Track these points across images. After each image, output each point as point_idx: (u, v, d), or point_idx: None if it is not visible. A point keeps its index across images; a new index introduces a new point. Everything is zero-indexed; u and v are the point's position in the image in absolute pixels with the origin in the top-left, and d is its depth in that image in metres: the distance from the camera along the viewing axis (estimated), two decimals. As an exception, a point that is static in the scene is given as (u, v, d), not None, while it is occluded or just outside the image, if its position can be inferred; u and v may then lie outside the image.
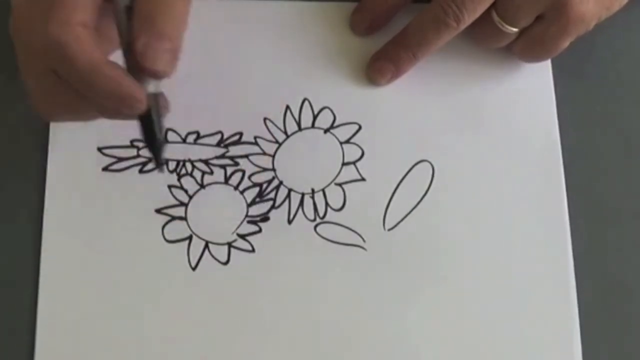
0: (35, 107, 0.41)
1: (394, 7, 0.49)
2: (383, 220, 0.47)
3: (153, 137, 0.40)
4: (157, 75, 0.38)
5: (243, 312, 0.45)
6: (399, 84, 0.49)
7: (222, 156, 0.48)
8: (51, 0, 0.37)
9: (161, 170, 0.42)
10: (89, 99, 0.39)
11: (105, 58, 0.38)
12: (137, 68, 0.38)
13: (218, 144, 0.48)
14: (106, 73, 0.37)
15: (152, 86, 0.39)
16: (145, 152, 0.47)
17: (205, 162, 0.48)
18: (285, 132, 0.48)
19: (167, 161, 0.43)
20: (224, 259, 0.46)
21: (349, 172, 0.48)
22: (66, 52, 0.37)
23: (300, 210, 0.47)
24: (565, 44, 0.46)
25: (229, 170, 0.48)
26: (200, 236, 0.46)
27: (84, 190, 0.47)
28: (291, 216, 0.47)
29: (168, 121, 0.48)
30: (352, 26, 0.50)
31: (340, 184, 0.48)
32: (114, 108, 0.38)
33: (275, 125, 0.48)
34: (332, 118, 0.49)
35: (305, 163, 0.48)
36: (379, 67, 0.48)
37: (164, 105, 0.41)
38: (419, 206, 0.47)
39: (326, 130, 0.49)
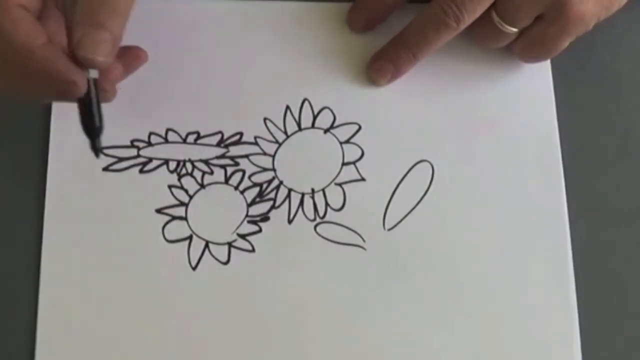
0: None
1: (391, 4, 0.49)
2: (383, 220, 0.47)
3: (91, 122, 0.41)
4: (94, 65, 0.39)
5: (243, 311, 0.45)
6: (399, 84, 0.49)
7: (223, 156, 0.48)
8: None
9: (97, 156, 0.42)
10: (30, 80, 0.40)
11: (44, 41, 0.39)
12: (77, 58, 0.39)
13: (218, 144, 0.48)
14: (43, 55, 0.38)
15: (92, 72, 0.40)
16: (146, 152, 0.47)
17: (206, 162, 0.48)
18: (286, 132, 0.48)
19: (103, 148, 0.42)
20: (224, 259, 0.46)
21: (349, 172, 0.48)
22: (4, 35, 0.38)
23: (300, 210, 0.47)
24: (565, 44, 0.47)
25: (229, 170, 0.48)
26: (201, 236, 0.47)
27: (84, 190, 0.47)
28: (291, 216, 0.47)
29: (169, 121, 0.48)
30: (349, 23, 0.50)
31: (340, 184, 0.48)
32: (52, 90, 0.40)
33: (276, 126, 0.49)
34: (332, 118, 0.49)
35: (305, 163, 0.48)
36: (378, 67, 0.49)
37: (107, 90, 0.42)
38: (418, 206, 0.47)
39: (326, 131, 0.49)
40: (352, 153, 0.48)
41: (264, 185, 0.48)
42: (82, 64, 0.39)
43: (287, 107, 0.49)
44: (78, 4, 0.39)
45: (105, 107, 0.48)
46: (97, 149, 0.41)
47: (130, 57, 0.46)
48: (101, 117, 0.41)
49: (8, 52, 0.39)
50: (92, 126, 0.41)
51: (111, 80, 0.43)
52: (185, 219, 0.47)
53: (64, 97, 0.40)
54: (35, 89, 0.41)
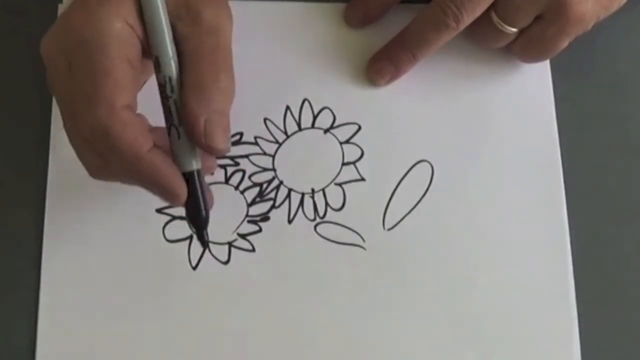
0: (81, 161, 0.41)
1: (388, 0, 0.49)
2: (383, 220, 0.47)
3: (197, 214, 0.40)
4: (218, 152, 0.39)
5: (243, 311, 0.45)
6: (399, 85, 0.49)
7: (223, 156, 0.47)
8: (93, 75, 0.37)
9: (205, 247, 0.43)
10: (131, 181, 0.39)
11: (150, 146, 0.38)
12: (200, 147, 0.38)
13: (218, 144, 0.48)
14: (150, 162, 0.38)
15: (194, 163, 0.39)
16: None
17: (206, 162, 0.48)
18: (286, 132, 0.48)
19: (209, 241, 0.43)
20: (225, 259, 0.46)
21: (349, 172, 0.48)
22: (111, 139, 0.37)
23: (300, 210, 0.47)
24: (564, 44, 0.47)
25: (230, 170, 0.48)
26: (201, 236, 0.47)
27: (85, 190, 0.47)
28: (291, 216, 0.47)
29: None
30: (346, 19, 0.50)
31: (340, 184, 0.48)
32: (152, 191, 0.39)
33: (276, 126, 0.49)
34: (332, 118, 0.49)
35: (305, 163, 0.48)
36: (378, 68, 0.49)
37: (210, 166, 0.42)
38: (418, 206, 0.47)
39: (326, 131, 0.49)
40: (352, 153, 0.48)
41: (264, 185, 0.48)
42: (186, 152, 0.39)
43: (287, 107, 0.49)
44: (188, 93, 0.38)
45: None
46: (204, 241, 0.41)
47: None
48: (206, 206, 0.40)
49: (113, 153, 0.37)
50: (198, 218, 0.40)
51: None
52: (185, 218, 0.46)
53: (162, 198, 0.40)
54: (131, 185, 0.40)
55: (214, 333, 0.45)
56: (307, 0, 0.50)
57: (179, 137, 0.39)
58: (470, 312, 0.46)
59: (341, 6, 0.50)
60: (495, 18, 0.46)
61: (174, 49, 0.39)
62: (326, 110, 0.49)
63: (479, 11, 0.45)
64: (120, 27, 0.37)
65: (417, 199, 0.48)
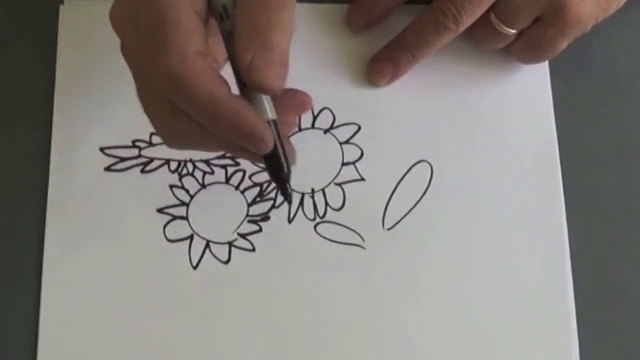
0: (157, 133, 0.39)
1: (390, 3, 0.49)
2: (382, 220, 0.47)
3: (279, 169, 0.38)
4: (267, 90, 0.36)
5: (244, 310, 0.46)
6: (398, 85, 0.49)
7: (223, 156, 0.48)
8: (163, 26, 0.34)
9: (289, 202, 0.41)
10: (210, 133, 0.36)
11: (227, 90, 0.35)
12: (247, 84, 0.35)
13: (219, 144, 0.48)
14: (230, 108, 0.35)
15: (269, 111, 0.37)
16: (148, 152, 0.48)
17: (207, 162, 0.48)
18: (286, 133, 0.49)
19: (292, 194, 0.40)
20: (225, 258, 0.46)
21: (349, 172, 0.48)
22: (186, 86, 0.34)
23: (300, 210, 0.47)
24: (563, 45, 0.47)
25: (230, 170, 0.48)
26: (201, 235, 0.47)
27: (86, 190, 0.47)
28: (291, 216, 0.47)
29: None
30: (348, 23, 0.50)
31: (339, 184, 0.48)
32: (237, 145, 0.36)
33: (276, 126, 0.49)
34: (331, 118, 0.49)
35: (305, 163, 0.47)
36: (378, 69, 0.49)
37: (292, 122, 0.39)
38: (417, 206, 0.48)
39: (326, 131, 0.49)
40: (351, 153, 0.48)
41: (264, 185, 0.48)
42: (254, 99, 0.36)
43: (288, 108, 0.49)
44: (239, 25, 0.35)
45: (107, 108, 0.48)
46: (288, 195, 0.39)
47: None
48: (287, 159, 0.37)
49: (190, 103, 0.35)
50: (280, 172, 0.38)
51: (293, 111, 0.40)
52: (186, 218, 0.47)
53: (243, 153, 0.37)
54: (211, 142, 0.37)
55: (215, 332, 0.45)
56: (307, 1, 0.50)
57: (244, 85, 0.36)
58: (468, 311, 0.46)
59: (341, 7, 0.50)
60: (494, 19, 0.46)
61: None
62: (326, 111, 0.49)
63: (478, 13, 0.45)
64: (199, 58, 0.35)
65: (417, 199, 0.48)
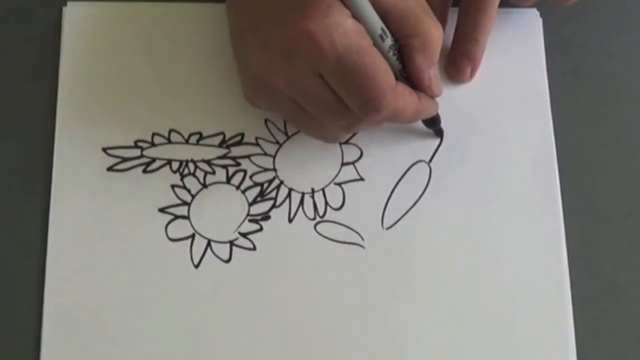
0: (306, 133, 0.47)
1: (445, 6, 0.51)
2: (381, 219, 0.48)
3: (437, 119, 0.48)
4: (437, 97, 0.46)
5: (245, 308, 0.46)
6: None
7: (224, 156, 0.48)
8: (374, 74, 0.41)
9: (441, 137, 0.49)
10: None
11: (416, 97, 0.45)
12: (427, 94, 0.45)
13: (220, 145, 0.48)
14: (424, 108, 0.45)
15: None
16: (149, 153, 0.48)
17: (208, 162, 0.48)
18: (286, 133, 0.49)
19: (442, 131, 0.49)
20: (226, 257, 0.47)
21: (348, 172, 0.48)
22: (399, 114, 0.43)
23: (300, 209, 0.48)
24: None
25: (231, 170, 0.48)
26: (203, 234, 0.47)
27: (89, 190, 0.47)
28: (291, 215, 0.48)
29: (172, 122, 0.48)
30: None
31: (339, 184, 0.48)
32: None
33: (276, 126, 0.49)
34: (331, 119, 0.49)
35: (305, 163, 0.48)
36: (457, 67, 0.50)
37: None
38: (416, 206, 0.48)
39: (326, 131, 0.49)
40: (351, 153, 0.49)
41: (265, 185, 0.48)
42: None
43: (288, 108, 0.49)
44: (416, 56, 0.43)
45: (110, 109, 0.49)
46: (441, 132, 0.49)
47: None
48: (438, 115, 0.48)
49: (397, 121, 0.45)
50: (438, 120, 0.48)
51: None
52: (187, 217, 0.47)
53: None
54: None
55: (216, 329, 0.45)
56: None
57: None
58: (466, 310, 0.46)
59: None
60: None
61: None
62: (326, 112, 0.49)
63: None
64: (352, 22, 0.40)
65: (415, 198, 0.48)
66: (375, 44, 0.41)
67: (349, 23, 0.40)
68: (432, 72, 0.44)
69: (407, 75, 0.44)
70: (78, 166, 0.47)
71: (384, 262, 0.47)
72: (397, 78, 0.43)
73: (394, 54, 0.43)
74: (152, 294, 0.46)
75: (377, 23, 0.41)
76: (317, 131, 0.46)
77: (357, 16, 0.40)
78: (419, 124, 0.49)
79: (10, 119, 0.49)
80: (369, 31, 0.41)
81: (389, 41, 0.42)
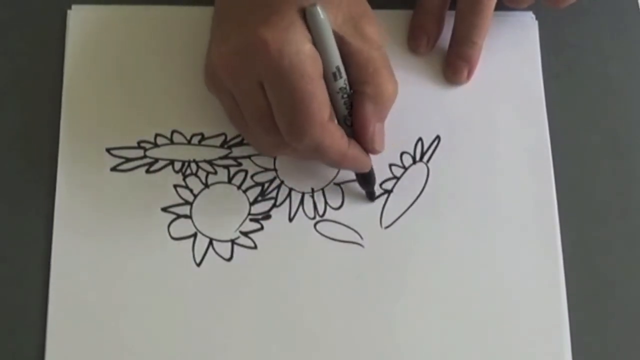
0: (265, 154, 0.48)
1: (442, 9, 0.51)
2: (380, 219, 0.48)
3: (370, 180, 0.47)
4: (376, 154, 0.45)
5: (246, 305, 0.46)
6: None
7: (226, 157, 0.48)
8: (302, 101, 0.40)
9: (373, 200, 0.48)
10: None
11: (347, 142, 0.43)
12: (363, 147, 0.44)
13: (222, 145, 0.49)
14: (351, 158, 0.43)
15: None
16: (152, 153, 0.48)
17: (210, 162, 0.48)
18: (286, 134, 0.49)
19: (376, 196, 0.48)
20: (228, 256, 0.47)
21: (348, 172, 0.48)
22: (325, 151, 0.42)
23: (300, 209, 0.48)
24: None
25: (232, 170, 0.48)
26: (205, 233, 0.47)
27: (93, 190, 0.47)
28: (292, 214, 0.48)
29: (174, 123, 0.48)
30: (411, 48, 0.51)
31: (338, 184, 0.49)
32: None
33: (277, 127, 0.49)
34: (331, 120, 0.49)
35: (305, 164, 0.48)
36: (454, 69, 0.50)
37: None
38: (414, 205, 0.48)
39: (326, 132, 0.49)
40: (350, 154, 0.49)
41: (266, 185, 0.48)
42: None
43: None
44: (360, 109, 0.43)
45: (114, 110, 0.49)
46: (373, 195, 0.48)
47: None
48: (373, 173, 0.47)
49: (324, 159, 0.43)
50: (371, 179, 0.47)
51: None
52: (190, 217, 0.47)
53: (354, 170, 0.47)
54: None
55: (218, 327, 0.45)
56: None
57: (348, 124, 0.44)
58: (464, 309, 0.46)
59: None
60: None
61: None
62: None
63: None
64: (309, 47, 0.40)
65: (414, 198, 0.48)
66: (326, 80, 0.41)
67: (307, 47, 0.40)
68: (378, 126, 0.44)
69: (352, 123, 0.43)
70: (82, 166, 0.48)
71: (383, 261, 0.47)
72: (339, 122, 0.43)
73: (342, 98, 0.42)
74: (155, 292, 0.46)
75: (335, 59, 0.41)
76: (251, 138, 0.46)
77: (317, 44, 0.40)
78: (418, 124, 0.49)
79: (15, 120, 0.49)
80: (324, 64, 0.41)
81: (341, 82, 0.42)
